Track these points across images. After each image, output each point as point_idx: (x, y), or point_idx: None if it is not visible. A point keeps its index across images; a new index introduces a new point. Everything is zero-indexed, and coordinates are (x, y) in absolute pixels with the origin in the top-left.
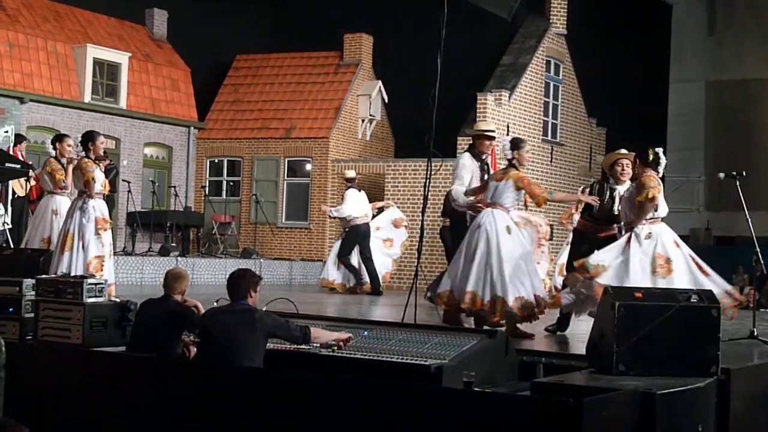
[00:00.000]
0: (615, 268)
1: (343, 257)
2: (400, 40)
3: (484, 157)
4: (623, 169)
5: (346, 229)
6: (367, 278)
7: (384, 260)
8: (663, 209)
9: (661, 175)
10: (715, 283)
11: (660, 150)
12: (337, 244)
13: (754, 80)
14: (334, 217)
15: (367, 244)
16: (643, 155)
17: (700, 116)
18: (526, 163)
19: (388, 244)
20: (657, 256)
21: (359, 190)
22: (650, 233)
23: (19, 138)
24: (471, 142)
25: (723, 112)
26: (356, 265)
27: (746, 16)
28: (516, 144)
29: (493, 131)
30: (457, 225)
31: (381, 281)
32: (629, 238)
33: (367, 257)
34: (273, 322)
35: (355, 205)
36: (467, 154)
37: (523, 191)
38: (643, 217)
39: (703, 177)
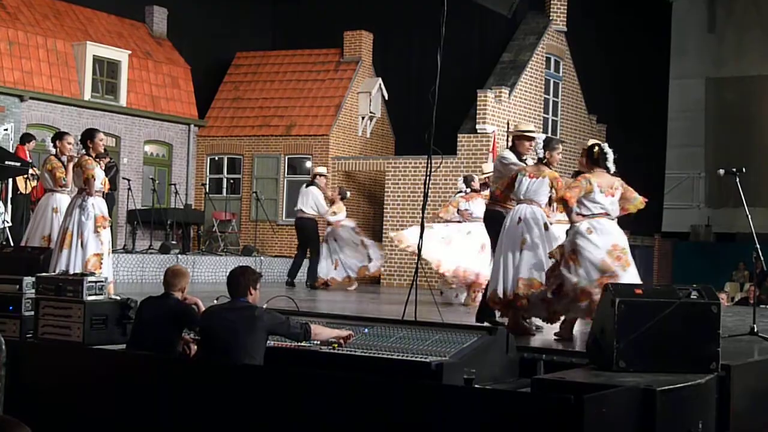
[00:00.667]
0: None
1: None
2: (400, 37)
3: (524, 158)
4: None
5: None
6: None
7: (359, 256)
8: (605, 206)
9: (613, 170)
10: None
11: (606, 146)
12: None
13: (754, 77)
14: None
15: (312, 239)
16: (589, 152)
17: (700, 113)
18: (557, 164)
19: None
20: (613, 247)
21: (306, 186)
22: (590, 228)
23: (27, 137)
24: (511, 143)
25: (723, 108)
26: (326, 264)
27: (747, 12)
28: (549, 144)
29: (533, 131)
30: (492, 224)
31: (356, 275)
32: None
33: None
34: (273, 319)
35: (305, 202)
36: (509, 151)
37: (552, 193)
38: (568, 214)
39: (703, 173)
